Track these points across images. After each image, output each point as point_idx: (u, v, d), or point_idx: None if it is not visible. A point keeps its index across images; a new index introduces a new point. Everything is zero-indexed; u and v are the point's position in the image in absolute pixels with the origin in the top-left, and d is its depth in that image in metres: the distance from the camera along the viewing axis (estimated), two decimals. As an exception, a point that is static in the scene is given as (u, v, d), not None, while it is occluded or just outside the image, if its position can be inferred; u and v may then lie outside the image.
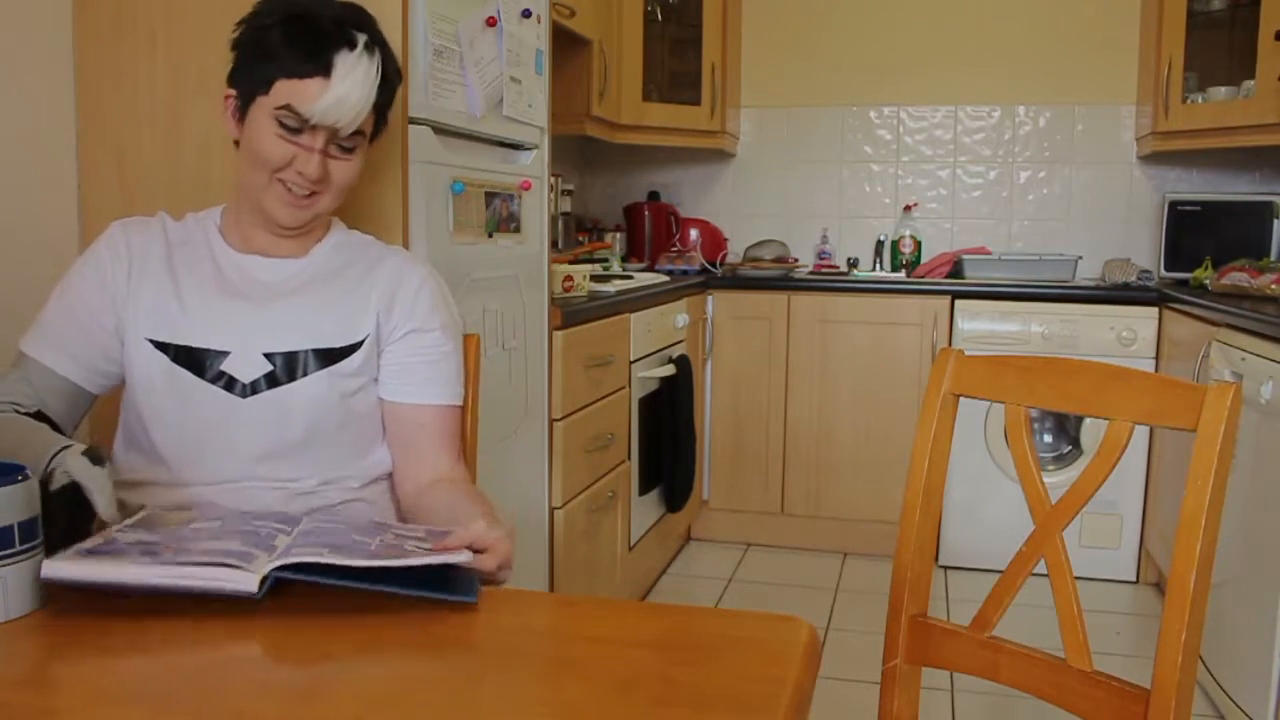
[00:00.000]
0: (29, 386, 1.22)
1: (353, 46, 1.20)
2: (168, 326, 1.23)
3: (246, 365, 1.22)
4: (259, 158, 1.22)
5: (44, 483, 0.95)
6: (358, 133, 1.25)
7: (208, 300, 1.25)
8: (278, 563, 0.87)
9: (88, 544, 0.91)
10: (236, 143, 1.28)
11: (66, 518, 0.95)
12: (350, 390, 1.27)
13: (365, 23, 1.25)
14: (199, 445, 1.23)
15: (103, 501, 0.96)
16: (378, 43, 1.25)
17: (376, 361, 1.30)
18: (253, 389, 1.22)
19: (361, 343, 1.27)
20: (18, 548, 0.85)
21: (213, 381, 1.22)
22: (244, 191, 1.27)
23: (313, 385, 1.24)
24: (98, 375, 1.26)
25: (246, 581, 0.85)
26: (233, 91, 1.25)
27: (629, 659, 0.81)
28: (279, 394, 1.23)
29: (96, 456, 0.97)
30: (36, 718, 0.71)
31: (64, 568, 0.86)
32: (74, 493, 0.96)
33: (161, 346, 1.22)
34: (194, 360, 1.22)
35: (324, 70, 1.18)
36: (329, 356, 1.25)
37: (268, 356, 1.23)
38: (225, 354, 1.22)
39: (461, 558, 0.92)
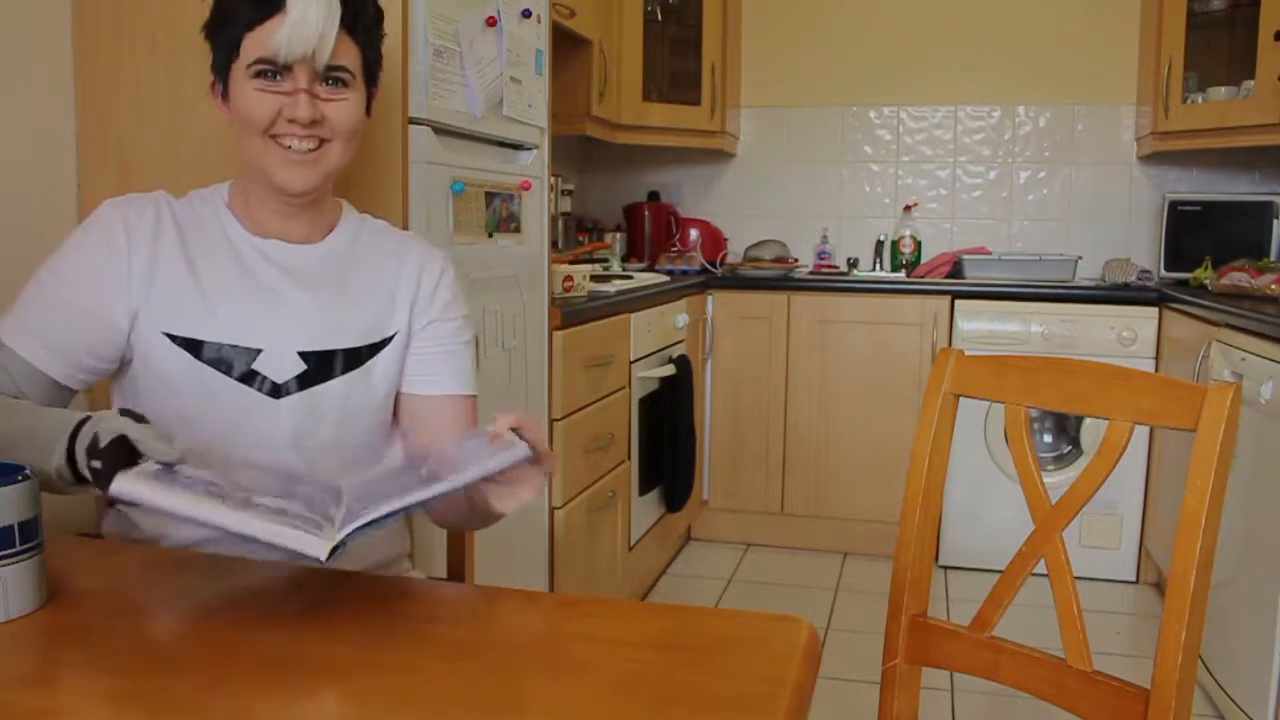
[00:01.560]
0: (6, 376, 1.14)
1: None
2: (190, 320, 1.15)
3: (280, 364, 1.17)
4: (248, 121, 1.15)
5: (91, 445, 0.92)
6: (341, 67, 1.15)
7: (233, 292, 1.17)
8: (348, 529, 0.85)
9: (153, 467, 0.88)
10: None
11: (113, 470, 0.89)
12: (381, 390, 1.24)
13: None
14: (219, 447, 1.14)
15: (160, 448, 0.91)
16: None
17: (403, 357, 1.26)
18: (285, 389, 1.17)
19: (391, 338, 1.24)
20: (18, 548, 0.85)
21: (242, 380, 1.16)
22: (249, 168, 1.20)
23: (345, 385, 1.20)
24: (81, 371, 1.16)
25: (316, 547, 0.83)
26: (214, 77, 1.19)
27: (629, 659, 0.81)
28: (312, 394, 1.18)
29: (137, 415, 0.94)
30: (36, 718, 0.71)
31: (135, 487, 0.84)
32: (123, 447, 0.91)
33: (182, 342, 1.15)
34: (222, 358, 1.15)
35: (279, 6, 1.11)
36: (360, 355, 1.21)
37: (302, 355, 1.18)
38: (257, 351, 1.16)
39: (520, 451, 0.94)
